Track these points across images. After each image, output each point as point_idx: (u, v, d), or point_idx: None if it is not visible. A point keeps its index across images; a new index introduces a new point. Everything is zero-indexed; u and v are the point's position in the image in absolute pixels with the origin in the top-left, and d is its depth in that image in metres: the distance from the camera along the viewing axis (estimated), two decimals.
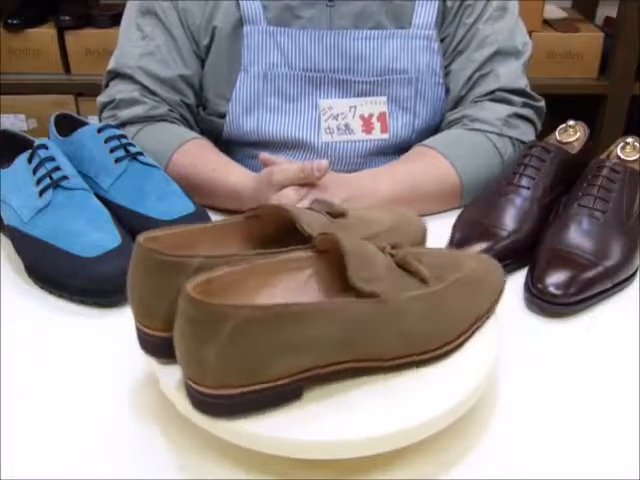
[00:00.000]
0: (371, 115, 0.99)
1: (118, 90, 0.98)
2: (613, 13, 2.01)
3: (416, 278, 0.54)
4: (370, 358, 0.52)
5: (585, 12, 2.17)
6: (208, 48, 0.98)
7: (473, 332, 0.58)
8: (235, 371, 0.47)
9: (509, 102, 0.97)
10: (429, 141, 0.94)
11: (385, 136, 1.00)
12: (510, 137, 0.95)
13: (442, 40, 1.00)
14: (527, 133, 0.98)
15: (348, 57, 0.97)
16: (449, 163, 0.90)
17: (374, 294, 0.51)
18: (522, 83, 1.00)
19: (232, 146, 1.03)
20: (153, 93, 0.97)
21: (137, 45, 0.98)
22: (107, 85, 1.02)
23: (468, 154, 0.92)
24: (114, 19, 1.96)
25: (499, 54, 0.98)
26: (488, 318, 0.59)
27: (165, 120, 0.97)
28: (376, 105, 0.99)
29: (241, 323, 0.45)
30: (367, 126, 0.99)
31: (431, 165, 0.90)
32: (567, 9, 2.19)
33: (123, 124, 0.96)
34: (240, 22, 0.96)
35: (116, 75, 1.00)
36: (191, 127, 1.02)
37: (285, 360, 0.48)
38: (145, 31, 0.98)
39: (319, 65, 0.97)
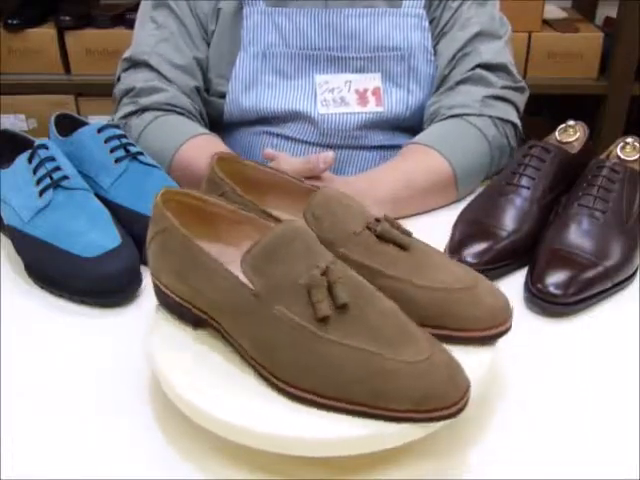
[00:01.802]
0: (366, 89, 1.02)
1: (136, 79, 1.00)
2: (613, 13, 2.01)
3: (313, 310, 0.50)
4: (242, 345, 0.53)
5: (585, 12, 2.17)
6: (214, 32, 1.02)
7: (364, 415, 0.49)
8: (152, 263, 0.58)
9: (487, 83, 0.99)
10: (416, 139, 0.95)
11: (380, 109, 1.02)
12: (490, 116, 0.96)
13: (429, 23, 1.02)
14: (507, 112, 0.99)
15: (342, 34, 1.00)
16: (438, 154, 0.91)
17: (249, 284, 0.51)
18: (505, 59, 1.01)
19: (233, 126, 1.05)
20: (169, 80, 1.00)
21: (152, 34, 1.02)
22: (119, 78, 1.03)
23: (454, 141, 0.93)
24: (114, 19, 1.96)
25: (481, 35, 1.00)
26: (411, 422, 0.49)
27: (183, 114, 0.99)
28: (370, 80, 1.02)
29: (162, 231, 0.56)
30: (362, 99, 1.02)
31: (422, 160, 0.91)
32: (567, 9, 2.19)
33: (143, 109, 0.98)
34: (241, 5, 1.00)
35: (131, 65, 1.02)
36: (203, 118, 1.04)
37: (179, 284, 0.56)
38: (159, 21, 1.02)
39: (315, 43, 1.00)
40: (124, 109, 0.99)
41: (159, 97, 0.98)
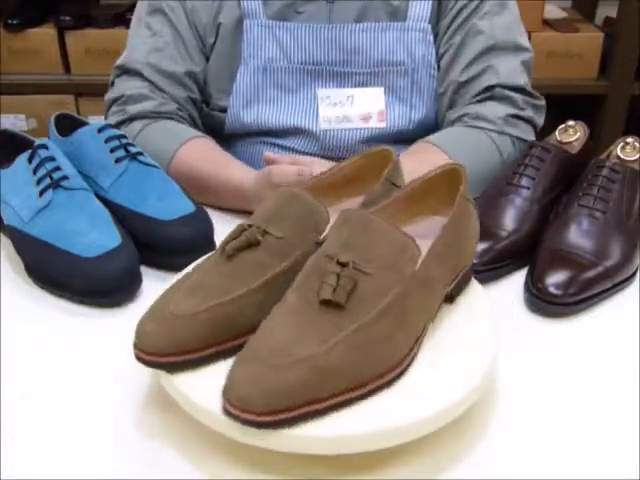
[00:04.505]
0: (369, 113, 1.01)
1: (127, 86, 0.99)
2: (613, 13, 2.01)
3: None
4: None
5: (585, 12, 2.17)
6: (213, 45, 1.01)
7: None
8: None
9: (510, 101, 0.97)
10: (430, 137, 0.94)
11: (382, 125, 1.01)
12: (510, 135, 0.96)
13: (437, 35, 1.01)
14: (527, 132, 0.98)
15: (345, 50, 0.99)
16: (449, 159, 0.89)
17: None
18: (522, 81, 0.99)
19: (234, 138, 1.05)
20: (161, 90, 0.99)
21: (146, 42, 1.00)
22: (113, 83, 1.03)
23: (468, 150, 0.92)
24: (114, 19, 1.97)
25: (495, 49, 0.98)
26: None
27: (172, 118, 0.98)
28: (373, 96, 1.01)
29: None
30: (365, 115, 1.01)
31: (431, 161, 0.90)
32: (567, 9, 2.19)
33: (131, 119, 0.97)
34: (241, 19, 0.99)
35: (124, 72, 1.01)
36: (197, 125, 1.03)
37: None
38: (154, 29, 1.00)
39: (317, 58, 0.99)
40: (112, 118, 0.98)
41: (146, 105, 0.97)
